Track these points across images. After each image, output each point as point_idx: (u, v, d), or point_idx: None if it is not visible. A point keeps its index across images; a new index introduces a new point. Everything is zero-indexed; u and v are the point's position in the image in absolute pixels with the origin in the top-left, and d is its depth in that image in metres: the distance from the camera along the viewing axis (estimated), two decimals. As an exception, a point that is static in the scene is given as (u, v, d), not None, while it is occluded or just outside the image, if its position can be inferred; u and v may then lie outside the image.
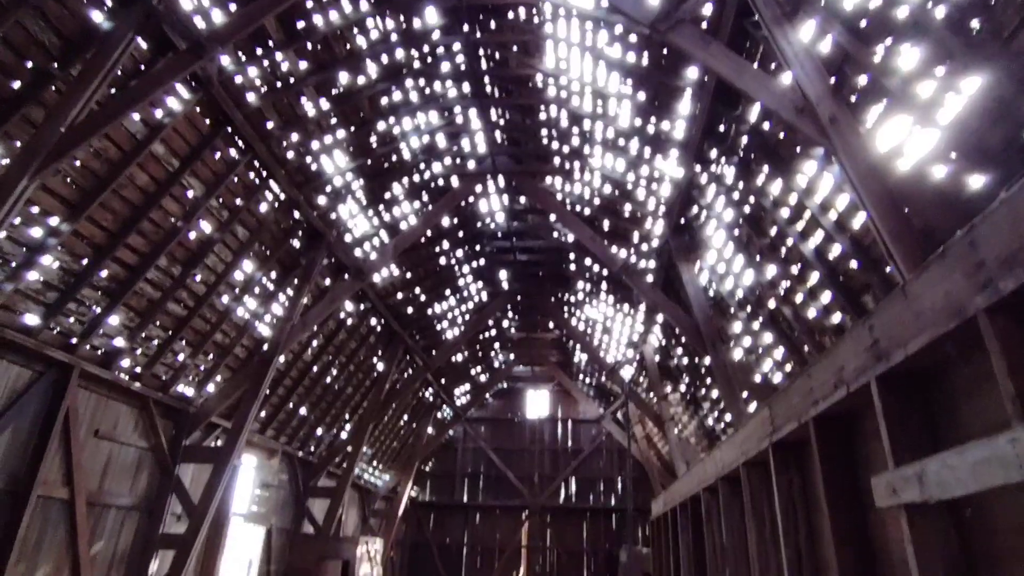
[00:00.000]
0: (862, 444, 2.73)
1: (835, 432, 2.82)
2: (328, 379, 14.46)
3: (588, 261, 15.27)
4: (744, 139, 8.09)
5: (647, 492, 21.58)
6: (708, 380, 13.54)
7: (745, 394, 10.24)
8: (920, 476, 1.86)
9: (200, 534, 9.40)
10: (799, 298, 8.34)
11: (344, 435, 16.37)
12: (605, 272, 14.81)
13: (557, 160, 12.38)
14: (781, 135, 7.28)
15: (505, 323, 20.43)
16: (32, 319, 7.35)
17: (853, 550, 2.62)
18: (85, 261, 7.57)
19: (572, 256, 15.79)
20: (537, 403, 24.96)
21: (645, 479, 20.91)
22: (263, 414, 12.66)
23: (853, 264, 6.83)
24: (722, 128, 8.51)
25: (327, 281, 12.48)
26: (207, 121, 8.31)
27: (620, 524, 22.13)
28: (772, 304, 9.11)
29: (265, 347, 10.69)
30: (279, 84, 8.88)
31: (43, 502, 7.56)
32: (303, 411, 14.15)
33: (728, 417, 13.02)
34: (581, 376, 24.12)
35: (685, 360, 14.30)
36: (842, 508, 2.69)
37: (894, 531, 2.42)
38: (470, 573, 22.33)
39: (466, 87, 10.72)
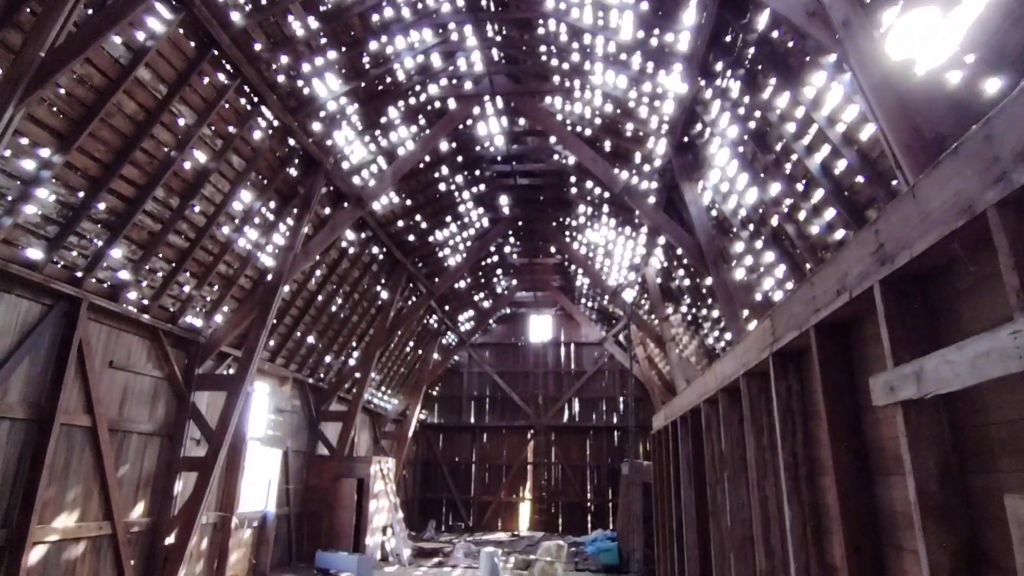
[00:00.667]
0: (861, 350, 2.78)
1: (835, 338, 2.87)
2: (334, 308, 14.63)
3: (589, 184, 15.07)
4: (751, 50, 7.76)
5: (648, 411, 22.29)
6: (709, 300, 13.68)
7: (746, 313, 10.36)
8: (918, 373, 1.91)
9: (219, 457, 9.80)
10: (803, 215, 8.28)
11: (352, 362, 16.75)
12: (607, 194, 14.64)
13: (556, 79, 11.96)
14: (790, 43, 6.98)
15: (507, 249, 20.43)
16: (35, 253, 7.36)
17: (848, 449, 2.73)
18: (81, 194, 7.49)
19: (573, 179, 15.57)
20: (540, 327, 25.35)
21: (646, 398, 21.57)
22: (272, 343, 12.90)
23: (859, 179, 6.73)
24: (728, 38, 8.16)
25: (327, 210, 12.38)
26: (192, 44, 7.97)
27: (622, 440, 22.99)
28: (775, 222, 9.06)
29: (269, 277, 10.75)
30: (264, 1, 8.46)
31: (66, 430, 7.85)
32: (311, 339, 14.41)
33: (728, 336, 13.24)
34: (583, 300, 24.37)
35: (687, 281, 14.38)
36: (839, 410, 2.78)
37: (889, 430, 2.51)
38: (479, 488, 23.46)
39: (460, 1, 10.21)
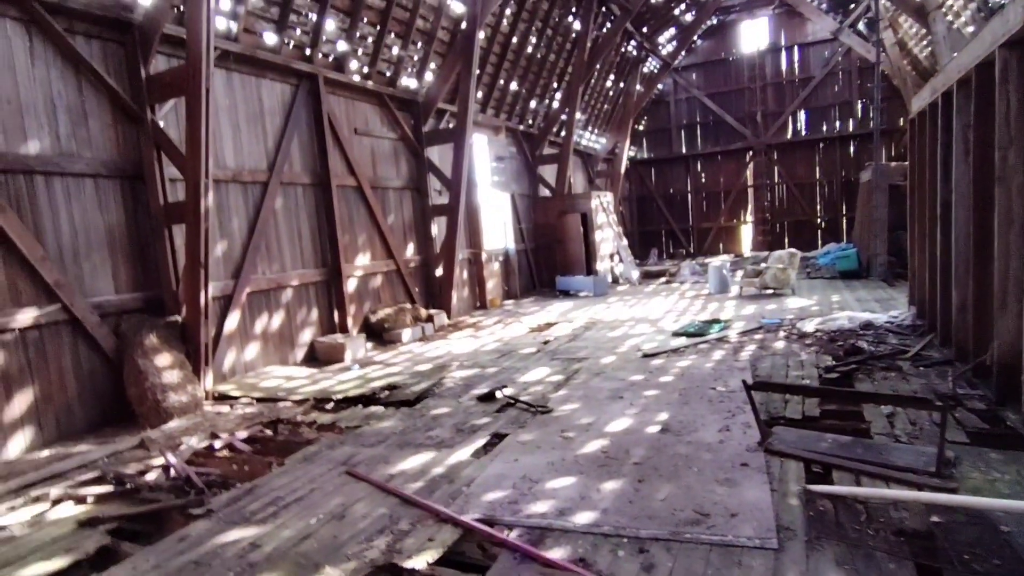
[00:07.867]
0: None
1: None
2: (530, 48, 14.25)
3: None
4: None
5: (894, 111, 19.14)
6: (1001, -62, 10.26)
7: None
8: None
9: (460, 202, 11.06)
10: None
11: (556, 104, 16.69)
12: None
13: None
14: None
15: (709, -61, 17.13)
16: (270, 38, 8.13)
17: None
18: (285, -34, 7.80)
19: None
20: (754, 34, 22.03)
21: (895, 95, 18.35)
22: (480, 94, 13.28)
23: None
24: None
25: (503, -65, 11.34)
26: None
27: (859, 149, 20.54)
28: None
29: (463, 25, 10.64)
30: None
31: (341, 190, 9.38)
32: (514, 86, 14.49)
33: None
34: (810, -14, 20.13)
35: (967, -82, 10.81)
36: None
37: None
38: (697, 216, 23.50)
39: None
